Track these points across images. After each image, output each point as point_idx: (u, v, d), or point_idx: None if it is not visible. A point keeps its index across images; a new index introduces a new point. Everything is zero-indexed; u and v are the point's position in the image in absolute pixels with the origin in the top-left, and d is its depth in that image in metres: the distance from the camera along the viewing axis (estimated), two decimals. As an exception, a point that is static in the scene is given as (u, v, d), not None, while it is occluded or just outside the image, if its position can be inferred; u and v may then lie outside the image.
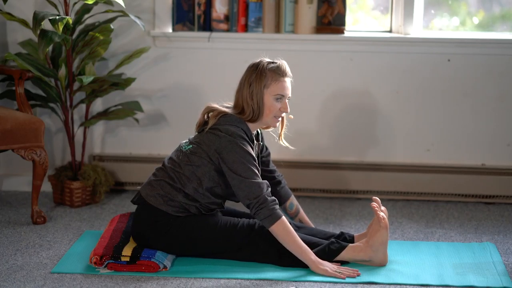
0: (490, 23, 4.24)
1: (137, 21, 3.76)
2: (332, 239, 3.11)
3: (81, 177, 3.90)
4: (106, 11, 3.81)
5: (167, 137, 4.13)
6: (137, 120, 4.05)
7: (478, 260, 3.18)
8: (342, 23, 4.02)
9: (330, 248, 3.08)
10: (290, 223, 3.09)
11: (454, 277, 3.00)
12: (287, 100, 3.13)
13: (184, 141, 3.20)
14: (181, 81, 4.11)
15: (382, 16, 4.28)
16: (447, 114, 4.05)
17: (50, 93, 3.83)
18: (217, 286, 2.91)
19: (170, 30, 4.08)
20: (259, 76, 3.09)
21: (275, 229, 2.99)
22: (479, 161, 4.07)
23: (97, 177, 3.92)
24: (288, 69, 3.14)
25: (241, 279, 2.97)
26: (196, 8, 4.04)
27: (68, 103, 3.90)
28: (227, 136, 3.04)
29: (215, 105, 3.16)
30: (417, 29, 4.07)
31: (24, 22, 3.70)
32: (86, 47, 3.72)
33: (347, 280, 2.96)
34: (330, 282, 2.95)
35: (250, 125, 3.14)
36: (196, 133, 3.20)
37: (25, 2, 4.04)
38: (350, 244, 3.09)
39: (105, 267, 3.04)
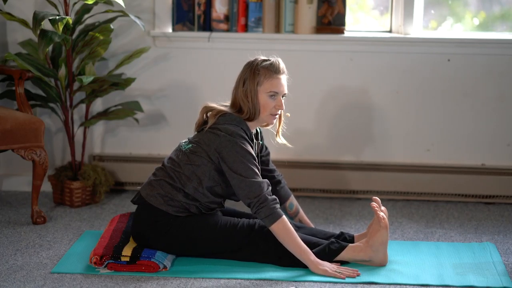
0: (490, 23, 4.24)
1: (137, 21, 3.76)
2: (332, 239, 3.11)
3: (81, 177, 3.90)
4: (106, 11, 3.81)
5: (167, 137, 4.13)
6: (137, 120, 4.05)
7: (478, 260, 3.18)
8: (342, 23, 4.02)
9: (330, 248, 3.08)
10: (290, 223, 3.09)
11: (454, 277, 3.00)
12: (283, 98, 3.13)
13: (183, 141, 3.20)
14: (181, 81, 4.11)
15: (382, 16, 4.28)
16: (447, 114, 4.05)
17: (50, 93, 3.83)
18: (217, 286, 2.91)
19: (170, 30, 4.08)
20: (252, 74, 3.09)
21: (275, 228, 2.99)
22: (479, 161, 4.07)
23: (97, 177, 3.92)
24: (282, 66, 3.13)
25: (241, 279, 2.97)
26: (196, 8, 4.04)
27: (68, 103, 3.90)
28: (226, 136, 3.04)
29: (213, 104, 3.16)
30: (417, 29, 4.07)
31: (24, 22, 3.70)
32: (86, 47, 3.72)
33: (347, 280, 2.96)
34: (330, 282, 2.95)
35: (249, 123, 3.14)
36: (196, 132, 3.20)
37: (25, 2, 4.04)
38: (350, 244, 3.09)
39: (105, 267, 3.04)
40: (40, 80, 3.80)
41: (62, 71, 3.76)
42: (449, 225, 3.68)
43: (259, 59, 3.13)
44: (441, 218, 3.80)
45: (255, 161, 3.06)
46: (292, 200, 3.44)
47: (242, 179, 3.01)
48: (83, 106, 4.06)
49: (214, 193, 3.11)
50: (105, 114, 3.94)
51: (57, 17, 3.48)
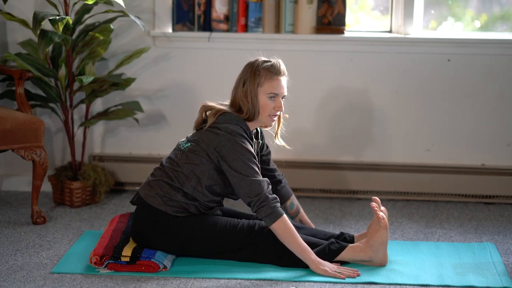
0: (490, 24, 4.24)
1: (137, 21, 3.76)
2: (332, 239, 3.11)
3: (81, 177, 3.90)
4: (106, 11, 3.81)
5: (167, 137, 4.13)
6: (137, 120, 4.05)
7: (478, 260, 3.18)
8: (342, 23, 4.02)
9: (330, 248, 3.08)
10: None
11: (454, 277, 3.00)
12: (282, 99, 3.13)
13: (182, 140, 3.20)
14: (181, 81, 4.11)
15: (382, 16, 4.28)
16: (447, 114, 4.05)
17: (50, 93, 3.83)
18: (217, 286, 2.91)
19: (170, 30, 4.08)
20: (253, 74, 3.09)
21: (276, 227, 2.99)
22: (479, 161, 4.07)
23: (97, 177, 3.92)
24: (283, 68, 3.13)
25: (241, 279, 2.97)
26: (196, 8, 4.04)
27: (68, 103, 3.90)
28: (226, 135, 3.04)
29: (212, 104, 3.16)
30: (417, 29, 4.07)
31: (24, 22, 3.70)
32: (86, 47, 3.72)
33: (347, 280, 2.96)
34: (330, 282, 2.95)
35: (248, 123, 3.14)
36: (194, 131, 3.20)
37: (25, 2, 4.04)
38: (350, 244, 3.09)
39: (105, 267, 3.04)
40: (40, 80, 3.80)
41: (62, 71, 3.76)
42: (449, 225, 3.68)
43: (260, 60, 3.13)
44: (441, 218, 3.80)
45: (255, 159, 3.06)
46: (293, 199, 3.44)
47: (242, 177, 3.01)
48: (83, 106, 4.06)
49: (213, 192, 3.11)
50: (105, 114, 3.94)
51: (57, 17, 3.48)
